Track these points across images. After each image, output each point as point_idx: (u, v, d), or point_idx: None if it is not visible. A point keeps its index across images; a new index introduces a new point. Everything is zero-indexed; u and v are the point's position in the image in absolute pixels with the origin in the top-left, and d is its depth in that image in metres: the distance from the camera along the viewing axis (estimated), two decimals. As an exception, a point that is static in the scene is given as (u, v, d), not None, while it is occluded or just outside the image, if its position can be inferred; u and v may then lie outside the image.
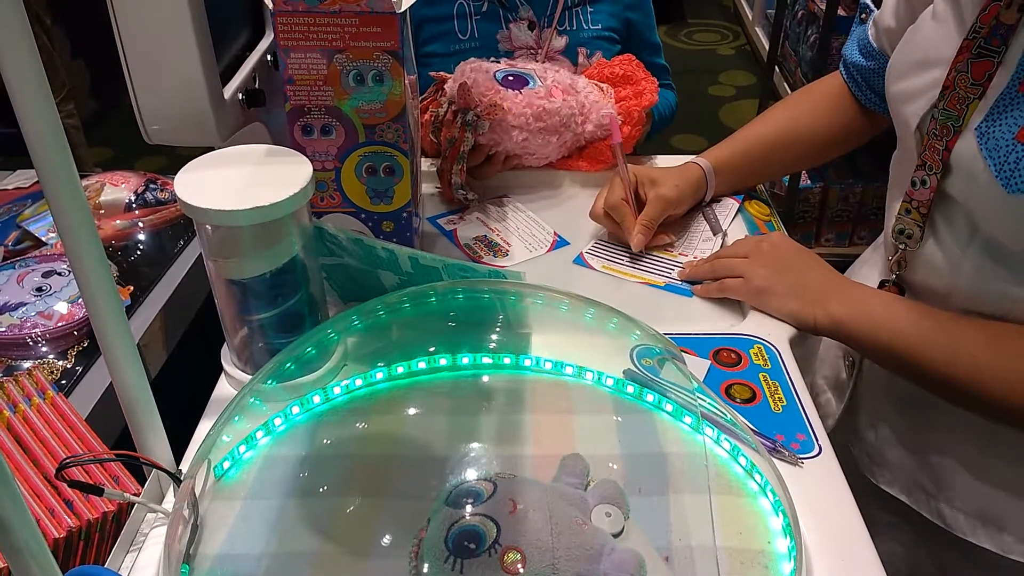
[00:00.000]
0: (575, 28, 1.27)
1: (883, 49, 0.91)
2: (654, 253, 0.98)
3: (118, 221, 1.12)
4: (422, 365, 0.71)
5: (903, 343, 0.76)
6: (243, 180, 0.68)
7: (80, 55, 2.74)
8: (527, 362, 0.72)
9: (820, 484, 0.67)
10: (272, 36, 0.91)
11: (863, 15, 0.95)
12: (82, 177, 1.17)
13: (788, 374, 0.78)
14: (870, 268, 0.94)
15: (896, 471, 0.89)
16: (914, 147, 0.78)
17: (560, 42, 1.26)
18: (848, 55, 0.97)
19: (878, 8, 0.92)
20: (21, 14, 0.46)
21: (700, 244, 1.00)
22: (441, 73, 1.11)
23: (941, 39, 0.75)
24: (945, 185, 0.74)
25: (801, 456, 0.69)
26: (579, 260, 0.98)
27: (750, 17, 4.00)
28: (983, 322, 0.75)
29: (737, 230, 1.02)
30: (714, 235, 1.00)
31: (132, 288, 1.02)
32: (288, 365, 0.69)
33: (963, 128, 0.71)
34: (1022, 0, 0.68)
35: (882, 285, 0.86)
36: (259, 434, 0.66)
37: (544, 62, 1.22)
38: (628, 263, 0.97)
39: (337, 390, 0.70)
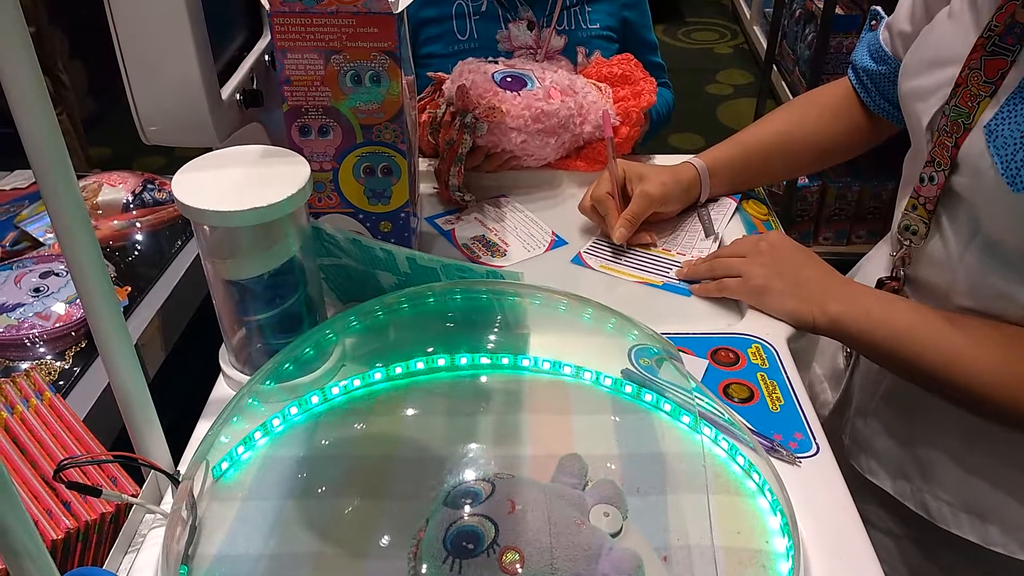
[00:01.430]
0: (574, 27, 1.27)
1: (896, 53, 0.91)
2: (652, 252, 0.98)
3: (116, 221, 1.12)
4: (420, 365, 0.71)
5: (901, 343, 0.77)
6: (241, 181, 0.68)
7: (78, 54, 2.74)
8: (525, 362, 0.72)
9: (818, 483, 0.67)
10: (269, 36, 0.91)
11: (873, 22, 0.95)
12: (80, 177, 1.17)
13: (786, 373, 0.78)
14: (875, 264, 0.94)
15: (883, 461, 0.90)
16: (924, 145, 0.78)
17: (559, 42, 1.26)
18: (858, 60, 0.97)
19: (888, 15, 0.92)
20: (18, 15, 0.45)
21: (698, 244, 1.00)
22: (439, 74, 1.11)
23: (956, 38, 0.75)
24: (952, 182, 0.75)
25: (799, 455, 0.69)
26: (577, 259, 0.98)
27: (748, 16, 4.00)
28: (982, 322, 0.75)
29: (735, 229, 1.01)
30: (706, 236, 1.00)
31: (130, 288, 1.02)
32: (286, 366, 0.69)
33: (973, 125, 0.71)
34: None
35: (881, 282, 0.86)
36: (257, 435, 0.66)
37: (543, 61, 1.22)
38: (626, 263, 0.97)
39: (335, 391, 0.70)
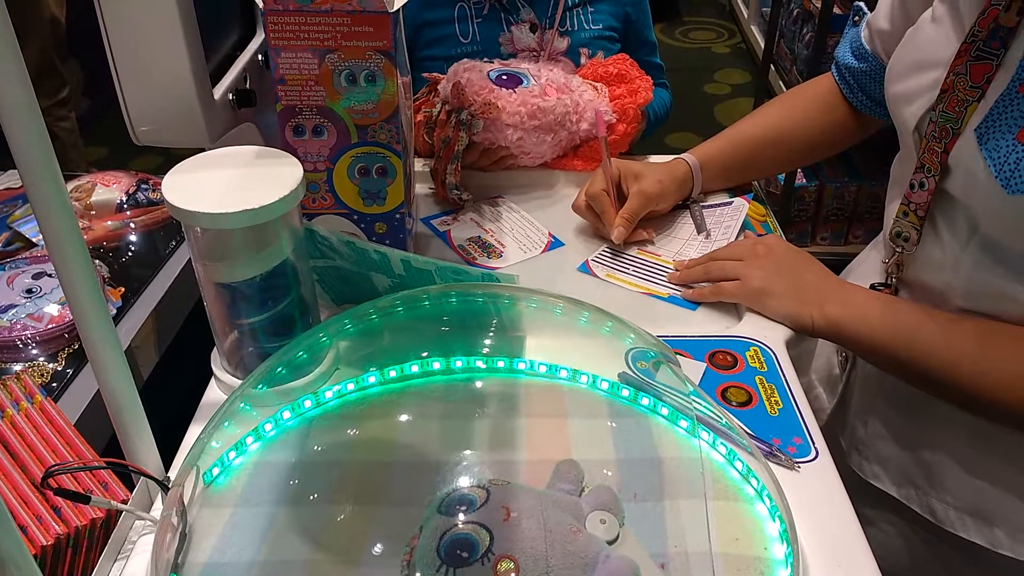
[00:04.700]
0: (576, 29, 1.27)
1: (876, 52, 0.91)
2: (661, 263, 0.97)
3: (109, 222, 1.11)
4: (415, 369, 0.71)
5: (903, 345, 0.76)
6: (232, 182, 0.67)
7: (74, 53, 2.73)
8: (521, 366, 0.71)
9: (817, 488, 0.66)
10: (263, 35, 0.90)
11: (856, 17, 0.95)
12: (74, 177, 1.17)
13: (784, 377, 0.77)
14: (866, 269, 0.93)
15: (886, 466, 0.89)
16: (913, 148, 0.78)
17: (562, 43, 1.26)
18: (840, 57, 0.97)
19: (871, 11, 0.92)
20: (3, 16, 0.45)
21: (690, 240, 0.99)
22: (434, 74, 1.10)
23: (940, 41, 0.75)
24: (944, 185, 0.74)
25: (798, 460, 0.68)
26: (583, 268, 0.97)
27: (746, 15, 4.00)
28: (983, 323, 0.75)
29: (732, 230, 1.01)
30: (698, 233, 1.00)
31: (123, 289, 1.01)
32: (279, 369, 0.68)
33: (962, 130, 0.71)
34: (1022, 3, 0.68)
35: (874, 288, 0.85)
36: (249, 440, 0.66)
37: (546, 62, 1.21)
38: (633, 273, 0.95)
39: (329, 395, 0.69)
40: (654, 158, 1.15)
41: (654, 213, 1.00)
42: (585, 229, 1.03)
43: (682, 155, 1.03)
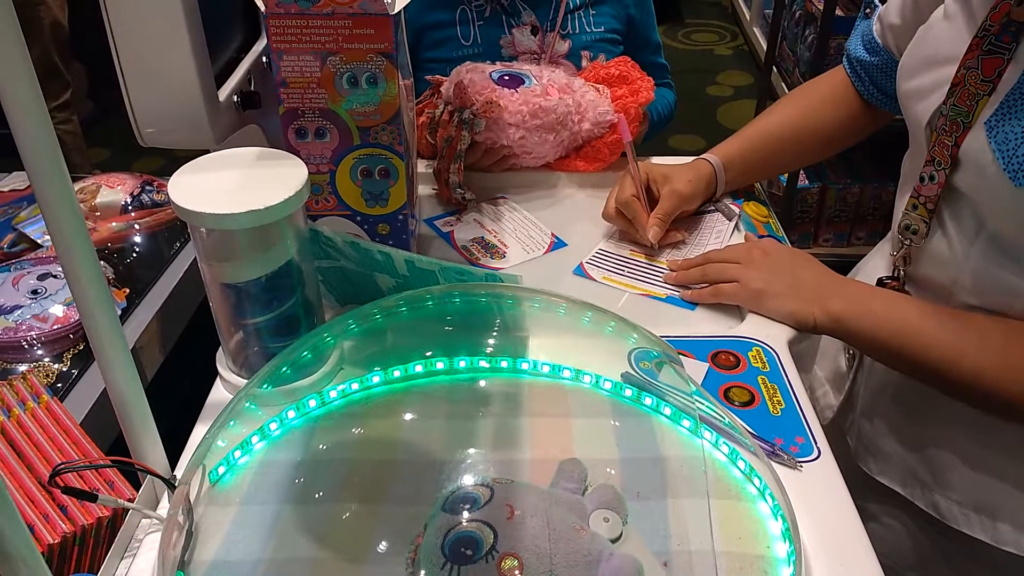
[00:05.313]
0: (578, 31, 1.27)
1: (887, 45, 0.92)
2: (656, 264, 0.97)
3: (114, 223, 1.12)
4: (419, 369, 0.71)
5: (905, 339, 0.76)
6: (238, 183, 0.68)
7: (77, 56, 2.74)
8: (524, 365, 0.71)
9: (819, 488, 0.67)
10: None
11: (868, 10, 0.96)
12: (79, 179, 1.17)
13: (787, 376, 0.77)
14: (875, 265, 0.94)
15: (891, 462, 0.90)
16: (924, 143, 0.78)
17: (563, 46, 1.26)
18: (852, 50, 0.97)
19: (883, 4, 0.93)
20: (11, 17, 0.45)
21: (716, 227, 1.00)
22: (437, 76, 1.11)
23: (952, 37, 0.76)
24: (953, 179, 0.75)
25: (800, 460, 0.68)
26: (579, 271, 0.97)
27: (747, 17, 4.00)
28: (985, 318, 0.75)
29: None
30: (729, 220, 1.01)
31: (128, 291, 1.02)
32: (284, 369, 0.68)
33: (972, 123, 0.72)
34: None
35: (881, 282, 0.85)
36: (254, 439, 0.66)
37: (546, 66, 1.21)
38: (629, 274, 0.96)
39: (333, 394, 0.70)
40: (657, 159, 1.15)
41: (684, 213, 1.01)
42: (588, 230, 1.03)
43: (703, 155, 1.04)
